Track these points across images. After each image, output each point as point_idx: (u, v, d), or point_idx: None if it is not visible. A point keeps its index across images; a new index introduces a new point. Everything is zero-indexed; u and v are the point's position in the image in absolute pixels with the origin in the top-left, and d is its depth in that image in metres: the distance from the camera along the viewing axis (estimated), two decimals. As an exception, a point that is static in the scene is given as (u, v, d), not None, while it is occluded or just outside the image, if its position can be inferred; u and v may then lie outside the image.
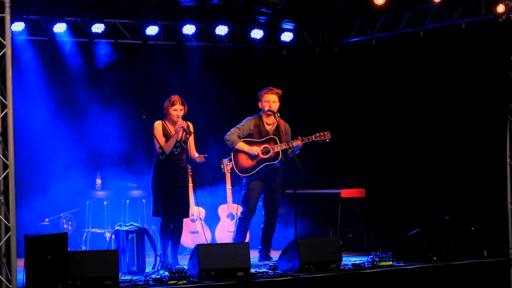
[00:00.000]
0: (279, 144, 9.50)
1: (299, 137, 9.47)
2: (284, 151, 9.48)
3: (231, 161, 9.63)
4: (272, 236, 9.76)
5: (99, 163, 11.19)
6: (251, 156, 9.49)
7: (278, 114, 9.51)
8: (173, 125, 8.97)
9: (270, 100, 9.54)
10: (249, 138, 9.57)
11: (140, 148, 11.27)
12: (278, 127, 9.59)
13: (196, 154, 9.10)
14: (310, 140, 9.48)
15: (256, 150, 9.49)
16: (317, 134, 9.49)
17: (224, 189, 10.93)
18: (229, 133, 9.58)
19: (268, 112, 9.54)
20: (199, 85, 11.72)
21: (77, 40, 11.05)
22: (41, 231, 9.71)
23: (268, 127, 9.62)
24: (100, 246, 10.17)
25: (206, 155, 9.18)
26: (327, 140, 9.50)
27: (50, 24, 10.71)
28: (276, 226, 9.81)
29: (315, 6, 10.88)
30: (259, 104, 9.64)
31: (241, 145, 9.53)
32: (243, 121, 9.67)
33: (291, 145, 9.37)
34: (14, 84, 7.38)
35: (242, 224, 9.67)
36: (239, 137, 9.54)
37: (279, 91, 9.61)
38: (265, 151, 9.51)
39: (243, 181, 9.64)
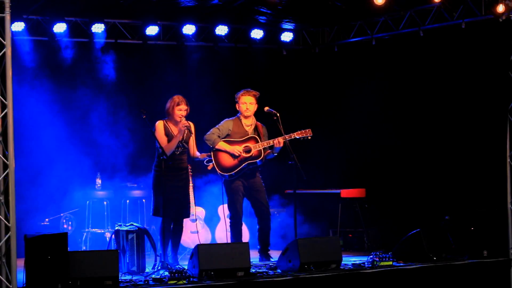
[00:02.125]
0: (260, 142, 9.48)
1: (282, 136, 9.41)
2: (264, 150, 9.46)
3: (211, 161, 9.55)
4: (269, 235, 9.73)
5: (99, 163, 11.19)
6: (233, 155, 9.46)
7: (278, 114, 9.42)
8: (175, 125, 8.99)
9: (247, 102, 9.49)
10: (228, 138, 9.55)
11: (140, 148, 11.26)
12: (256, 128, 9.59)
13: (198, 153, 9.13)
14: (292, 138, 9.42)
15: (237, 149, 9.46)
16: (299, 132, 9.44)
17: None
18: (208, 133, 9.52)
19: (248, 113, 9.47)
20: (199, 85, 11.72)
21: (77, 40, 11.06)
22: (41, 231, 9.72)
23: (247, 128, 9.59)
24: (100, 246, 10.17)
25: (209, 154, 9.19)
26: (309, 138, 9.45)
27: (50, 24, 10.71)
28: (270, 225, 9.75)
29: (315, 6, 10.87)
30: (236, 106, 9.58)
31: (222, 145, 9.49)
32: (221, 122, 9.62)
33: (272, 143, 9.34)
34: (14, 84, 7.38)
35: (235, 227, 9.61)
36: (219, 137, 9.50)
37: (256, 93, 9.55)
38: (247, 150, 9.49)
39: (222, 183, 9.59)
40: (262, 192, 9.63)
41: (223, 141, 9.48)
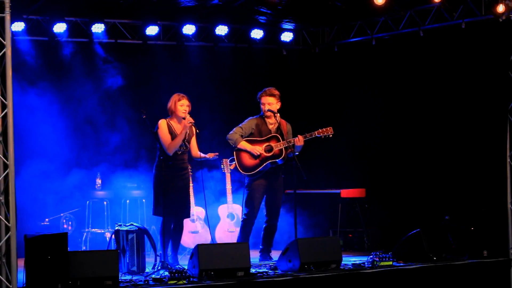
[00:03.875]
0: (281, 141, 9.48)
1: (303, 134, 9.43)
2: (285, 149, 9.47)
3: (234, 161, 9.60)
4: (273, 236, 9.74)
5: (99, 163, 11.19)
6: (254, 155, 9.48)
7: (278, 114, 9.50)
8: (179, 122, 9.00)
9: (266, 103, 9.52)
10: (251, 137, 9.56)
11: (140, 148, 11.27)
12: (279, 126, 9.58)
13: (199, 153, 9.14)
14: (313, 136, 9.45)
15: (258, 149, 9.47)
16: (320, 130, 9.46)
17: (224, 189, 10.92)
18: (231, 132, 9.56)
19: (268, 113, 9.52)
20: (199, 85, 11.72)
21: (77, 40, 11.06)
22: (41, 231, 9.72)
23: (270, 127, 9.60)
24: (100, 246, 10.17)
25: (217, 154, 9.21)
26: (330, 136, 9.46)
27: (50, 24, 10.72)
28: (277, 226, 9.79)
29: (315, 6, 10.88)
30: (262, 106, 9.59)
31: (244, 144, 9.51)
32: (245, 120, 9.65)
33: (293, 142, 9.35)
34: (14, 84, 7.38)
35: (246, 226, 9.60)
36: (241, 136, 9.52)
37: (277, 92, 9.57)
38: (268, 149, 9.50)
39: (246, 182, 9.62)
40: (280, 193, 9.65)
41: (244, 140, 9.50)
